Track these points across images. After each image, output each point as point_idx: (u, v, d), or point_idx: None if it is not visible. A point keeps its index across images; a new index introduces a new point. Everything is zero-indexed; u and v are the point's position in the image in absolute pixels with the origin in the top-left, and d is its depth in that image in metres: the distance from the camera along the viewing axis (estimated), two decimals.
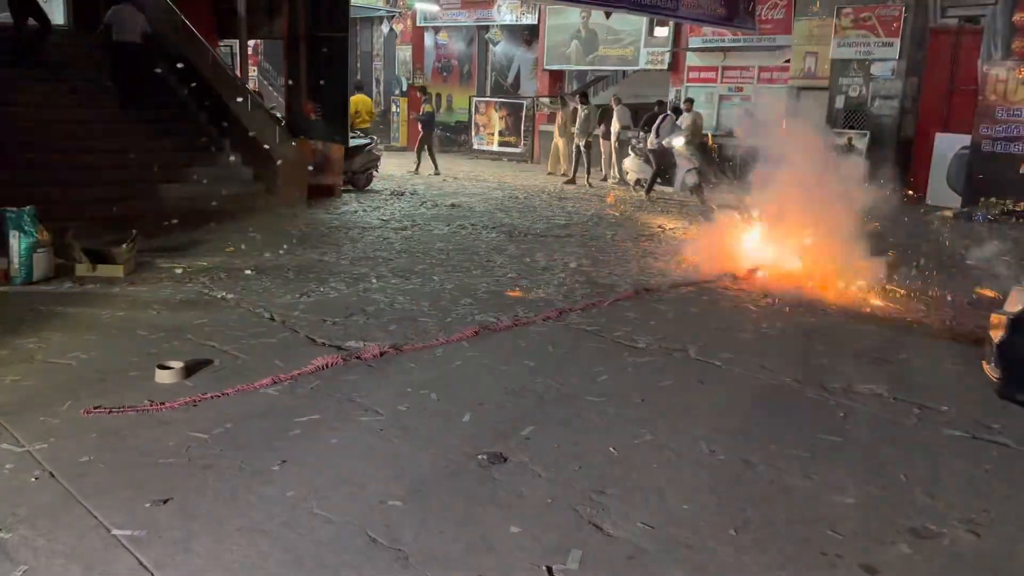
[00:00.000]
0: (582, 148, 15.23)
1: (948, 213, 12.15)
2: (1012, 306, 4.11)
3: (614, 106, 15.65)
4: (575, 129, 15.38)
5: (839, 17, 14.17)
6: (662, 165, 13.37)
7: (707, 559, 2.85)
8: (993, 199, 12.12)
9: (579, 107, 15.35)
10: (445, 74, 23.43)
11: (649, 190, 13.47)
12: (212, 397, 4.11)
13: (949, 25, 13.72)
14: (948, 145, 13.21)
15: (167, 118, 11.01)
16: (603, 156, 16.07)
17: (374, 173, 13.26)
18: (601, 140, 15.81)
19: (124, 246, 6.71)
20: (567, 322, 5.79)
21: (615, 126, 15.50)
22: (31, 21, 10.70)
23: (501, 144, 20.78)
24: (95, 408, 3.90)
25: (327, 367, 4.58)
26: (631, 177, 14.24)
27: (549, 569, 2.75)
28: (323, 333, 5.28)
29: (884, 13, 13.86)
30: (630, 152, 14.26)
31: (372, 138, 14.09)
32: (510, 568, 2.76)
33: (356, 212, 10.76)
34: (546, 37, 19.79)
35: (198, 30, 11.55)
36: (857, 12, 14.07)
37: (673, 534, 2.99)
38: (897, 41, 13.70)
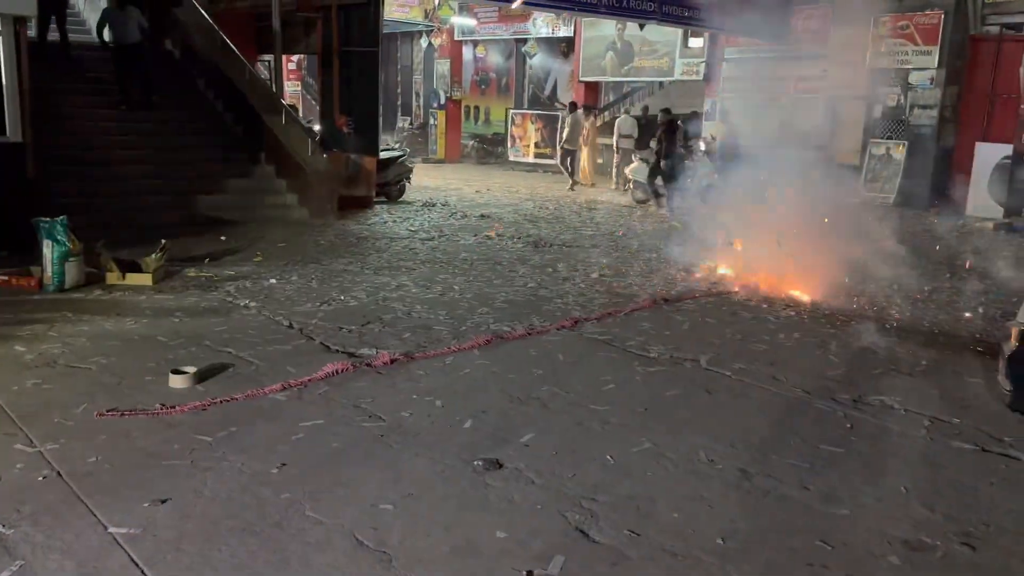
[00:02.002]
0: (575, 154, 16.13)
1: (988, 224, 11.87)
2: None
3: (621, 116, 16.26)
4: (581, 137, 16.12)
5: (876, 26, 13.98)
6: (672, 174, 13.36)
7: (690, 567, 2.84)
8: None
9: (567, 115, 16.23)
10: (483, 87, 23.65)
11: (657, 198, 13.40)
12: (221, 402, 4.21)
13: (990, 33, 13.46)
14: (989, 155, 12.92)
15: (204, 131, 11.30)
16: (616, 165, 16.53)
17: (407, 184, 13.43)
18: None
19: (153, 256, 6.91)
20: (581, 332, 5.80)
21: (615, 135, 15.97)
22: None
23: (537, 155, 20.88)
24: (108, 411, 4.02)
25: (337, 373, 4.66)
26: (632, 183, 14.28)
27: (530, 574, 2.76)
28: (338, 341, 5.37)
29: (922, 21, 13.65)
30: (633, 159, 14.37)
31: (404, 150, 14.29)
32: (492, 572, 2.78)
33: (386, 223, 10.90)
34: (582, 49, 19.86)
35: (238, 46, 11.85)
36: (895, 21, 13.88)
37: (659, 542, 2.99)
38: (936, 49, 13.49)
